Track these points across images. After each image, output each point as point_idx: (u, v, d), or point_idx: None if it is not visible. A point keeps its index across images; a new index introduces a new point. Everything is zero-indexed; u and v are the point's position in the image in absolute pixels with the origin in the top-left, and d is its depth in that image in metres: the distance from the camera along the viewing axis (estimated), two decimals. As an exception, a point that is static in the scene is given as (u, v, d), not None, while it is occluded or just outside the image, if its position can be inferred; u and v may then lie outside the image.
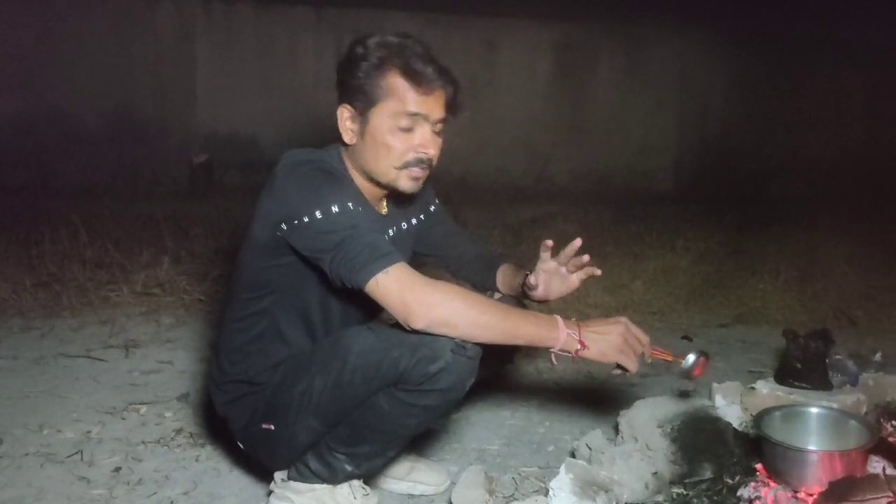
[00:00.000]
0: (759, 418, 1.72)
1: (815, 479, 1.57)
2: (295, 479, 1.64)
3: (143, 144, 6.04)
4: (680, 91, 7.23)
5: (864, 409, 1.97)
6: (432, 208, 1.90)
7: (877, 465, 1.67)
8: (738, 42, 7.15)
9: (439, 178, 1.67)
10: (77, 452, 1.99)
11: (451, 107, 1.60)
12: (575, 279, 1.80)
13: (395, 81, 1.53)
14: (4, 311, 3.13)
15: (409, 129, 1.56)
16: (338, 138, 1.64)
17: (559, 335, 1.48)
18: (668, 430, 1.81)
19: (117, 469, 1.92)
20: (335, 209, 1.47)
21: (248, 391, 1.66)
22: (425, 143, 1.57)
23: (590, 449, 1.84)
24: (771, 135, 7.27)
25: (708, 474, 1.70)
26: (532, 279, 1.79)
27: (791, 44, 7.14)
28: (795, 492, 1.59)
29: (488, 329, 1.45)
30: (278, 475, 1.68)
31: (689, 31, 7.00)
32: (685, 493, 1.66)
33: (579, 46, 7.02)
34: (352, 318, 1.67)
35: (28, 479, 1.85)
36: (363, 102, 1.55)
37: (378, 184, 1.64)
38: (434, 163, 1.62)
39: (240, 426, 1.69)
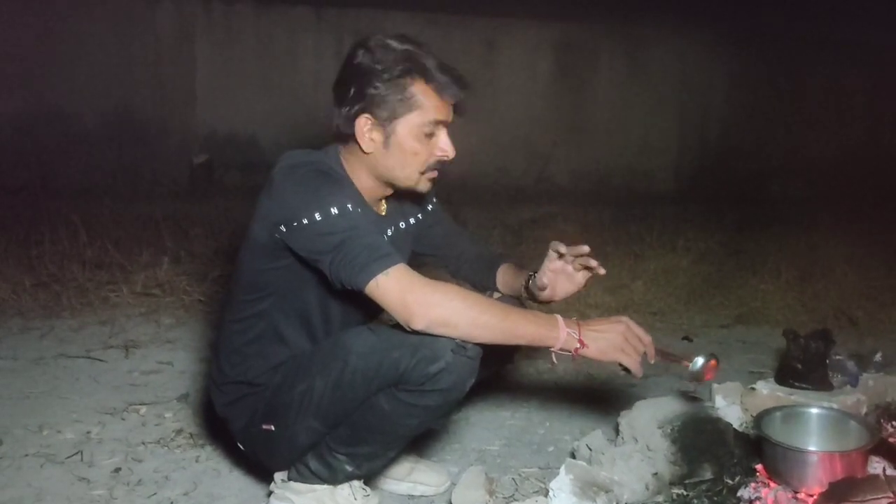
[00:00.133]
0: (760, 419, 1.72)
1: (816, 480, 1.57)
2: (295, 480, 1.64)
3: (143, 144, 6.04)
4: (680, 91, 7.23)
5: (864, 410, 1.97)
6: (430, 207, 1.91)
7: (877, 466, 1.67)
8: (738, 42, 7.15)
9: (439, 178, 1.68)
10: (77, 453, 1.99)
11: (457, 107, 1.63)
12: (581, 277, 1.81)
13: (421, 91, 1.55)
14: (4, 312, 3.12)
15: (431, 135, 1.59)
16: (337, 139, 1.64)
17: (559, 334, 1.48)
18: (669, 430, 1.81)
19: (117, 470, 1.92)
20: (334, 211, 1.47)
21: (247, 392, 1.66)
22: (446, 146, 1.61)
23: (590, 449, 1.84)
24: (771, 135, 7.27)
25: (708, 475, 1.70)
26: (542, 279, 1.80)
27: (791, 44, 7.14)
28: (796, 492, 1.59)
29: (488, 329, 1.46)
30: (278, 476, 1.68)
31: (689, 31, 7.00)
32: (685, 493, 1.66)
33: (579, 46, 7.02)
34: (351, 319, 1.67)
35: (28, 479, 1.85)
36: (388, 112, 1.56)
37: (393, 187, 1.66)
38: None
39: (240, 427, 1.69)
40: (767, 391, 2.03)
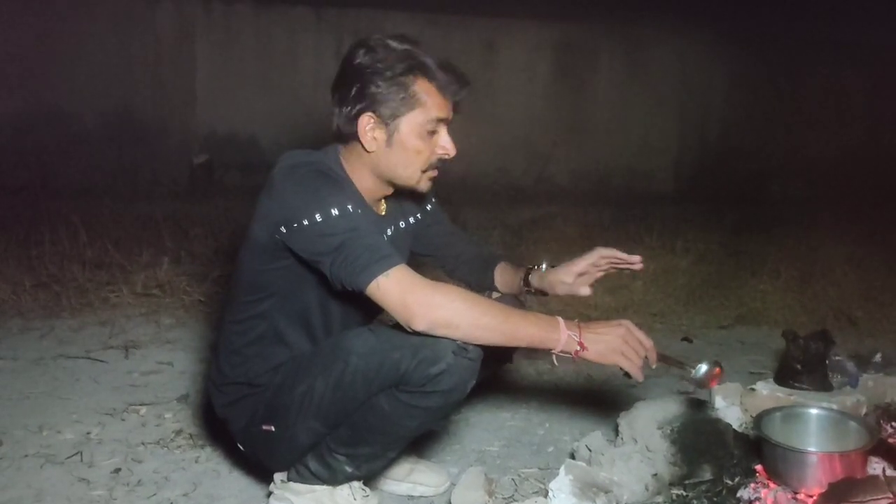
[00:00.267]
0: (759, 419, 1.72)
1: (815, 481, 1.57)
2: (295, 481, 1.64)
3: (143, 144, 6.04)
4: (680, 91, 7.22)
5: (863, 411, 1.97)
6: (429, 207, 1.91)
7: (876, 467, 1.67)
8: (738, 42, 7.14)
9: (439, 177, 1.68)
10: (77, 453, 1.99)
11: (457, 106, 1.63)
12: (589, 289, 1.85)
13: (423, 89, 1.56)
14: (4, 312, 3.12)
15: (433, 133, 1.59)
16: (337, 139, 1.64)
17: (560, 336, 1.48)
18: (668, 431, 1.81)
19: (117, 470, 1.92)
20: (334, 212, 1.47)
21: (247, 393, 1.66)
22: (447, 144, 1.62)
23: (589, 450, 1.84)
24: (771, 135, 7.27)
25: (708, 476, 1.70)
26: (570, 270, 1.83)
27: (791, 44, 7.14)
28: (795, 493, 1.59)
29: (489, 330, 1.46)
30: (278, 476, 1.68)
31: (689, 31, 6.99)
32: (685, 494, 1.66)
33: (579, 46, 7.02)
34: (352, 319, 1.67)
35: (28, 480, 1.85)
36: (390, 110, 1.56)
37: (394, 186, 1.66)
38: None
39: (240, 427, 1.69)
40: (767, 392, 2.03)
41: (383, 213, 1.73)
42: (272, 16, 6.33)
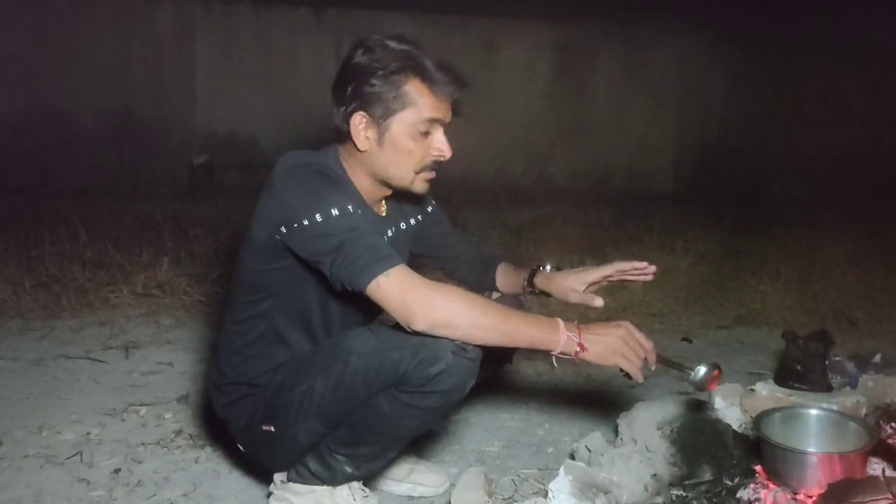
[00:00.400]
0: (759, 420, 1.72)
1: (815, 481, 1.57)
2: (294, 481, 1.64)
3: (143, 145, 6.04)
4: (680, 91, 7.23)
5: (863, 411, 1.97)
6: (430, 209, 1.91)
7: (876, 467, 1.67)
8: (737, 42, 7.15)
9: (439, 178, 1.68)
10: (77, 454, 1.99)
11: (456, 107, 1.62)
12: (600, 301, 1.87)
13: (416, 89, 1.54)
14: (4, 312, 3.12)
15: (426, 134, 1.58)
16: (336, 139, 1.64)
17: (560, 338, 1.48)
18: (668, 431, 1.81)
19: (117, 470, 1.92)
20: (335, 212, 1.47)
21: (247, 393, 1.66)
22: (442, 146, 1.60)
23: (589, 451, 1.84)
24: (771, 135, 7.27)
25: (707, 476, 1.70)
26: (583, 279, 1.87)
27: (791, 44, 7.14)
28: (795, 493, 1.59)
29: (489, 331, 1.46)
30: (278, 477, 1.68)
31: (689, 31, 7.00)
32: (684, 494, 1.66)
33: (579, 47, 7.02)
34: (352, 319, 1.67)
35: (27, 480, 1.85)
36: (382, 109, 1.55)
37: (389, 186, 1.65)
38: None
39: (239, 428, 1.69)
40: (767, 392, 2.03)
41: (384, 214, 1.72)
42: (272, 16, 6.34)
